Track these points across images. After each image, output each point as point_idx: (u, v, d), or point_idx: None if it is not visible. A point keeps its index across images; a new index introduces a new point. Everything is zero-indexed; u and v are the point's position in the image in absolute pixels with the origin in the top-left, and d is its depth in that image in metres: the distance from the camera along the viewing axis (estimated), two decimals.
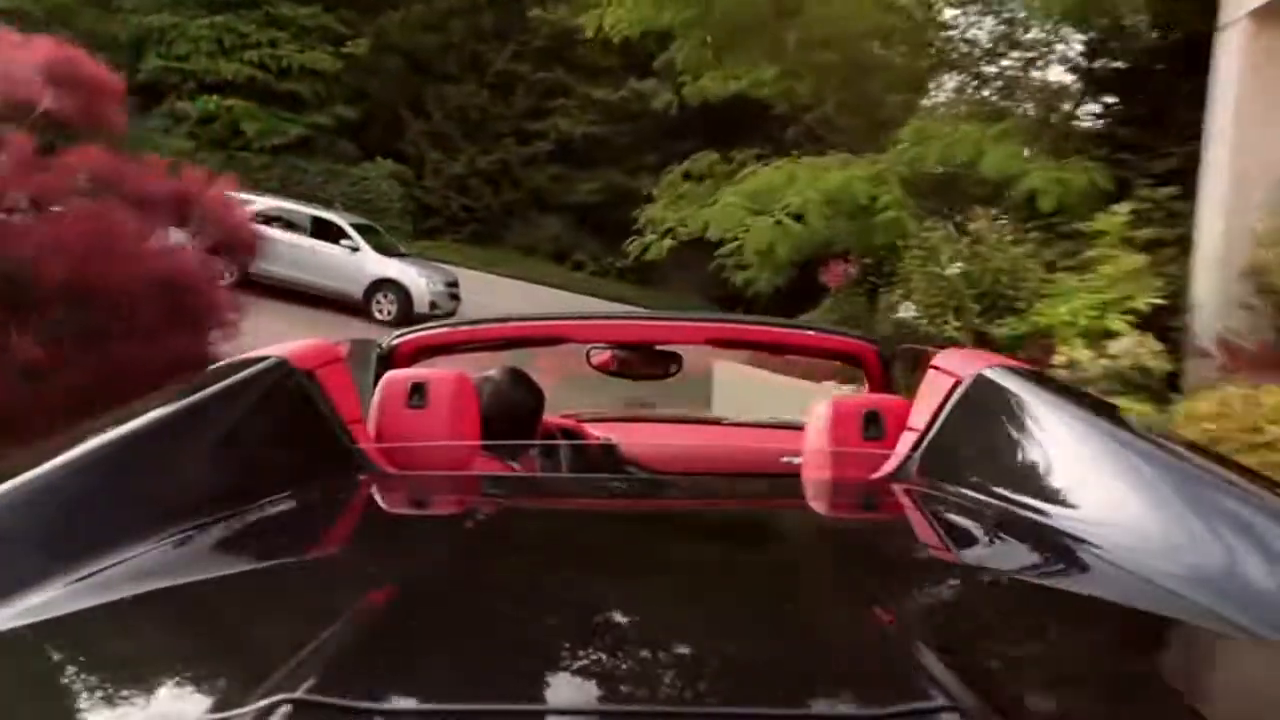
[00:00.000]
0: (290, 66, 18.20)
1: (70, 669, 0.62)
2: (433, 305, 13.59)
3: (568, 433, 2.39)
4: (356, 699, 0.48)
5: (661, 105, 14.65)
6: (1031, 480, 0.97)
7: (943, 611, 0.77)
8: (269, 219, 14.30)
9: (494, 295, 14.49)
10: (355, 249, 13.98)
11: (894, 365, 1.94)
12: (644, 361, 2.15)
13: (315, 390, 1.15)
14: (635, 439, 2.45)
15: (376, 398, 1.41)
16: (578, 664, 0.58)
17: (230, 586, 0.77)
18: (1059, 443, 0.97)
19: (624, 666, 0.58)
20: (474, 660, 0.58)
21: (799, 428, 1.62)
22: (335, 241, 14.02)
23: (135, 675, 0.58)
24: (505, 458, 1.71)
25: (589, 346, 2.15)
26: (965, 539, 0.98)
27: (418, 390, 1.40)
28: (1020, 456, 1.03)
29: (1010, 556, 0.90)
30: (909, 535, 1.05)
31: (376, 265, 13.94)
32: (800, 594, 0.75)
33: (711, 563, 0.87)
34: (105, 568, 0.72)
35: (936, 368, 1.24)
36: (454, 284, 14.51)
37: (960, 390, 1.15)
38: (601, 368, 2.17)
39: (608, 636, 0.63)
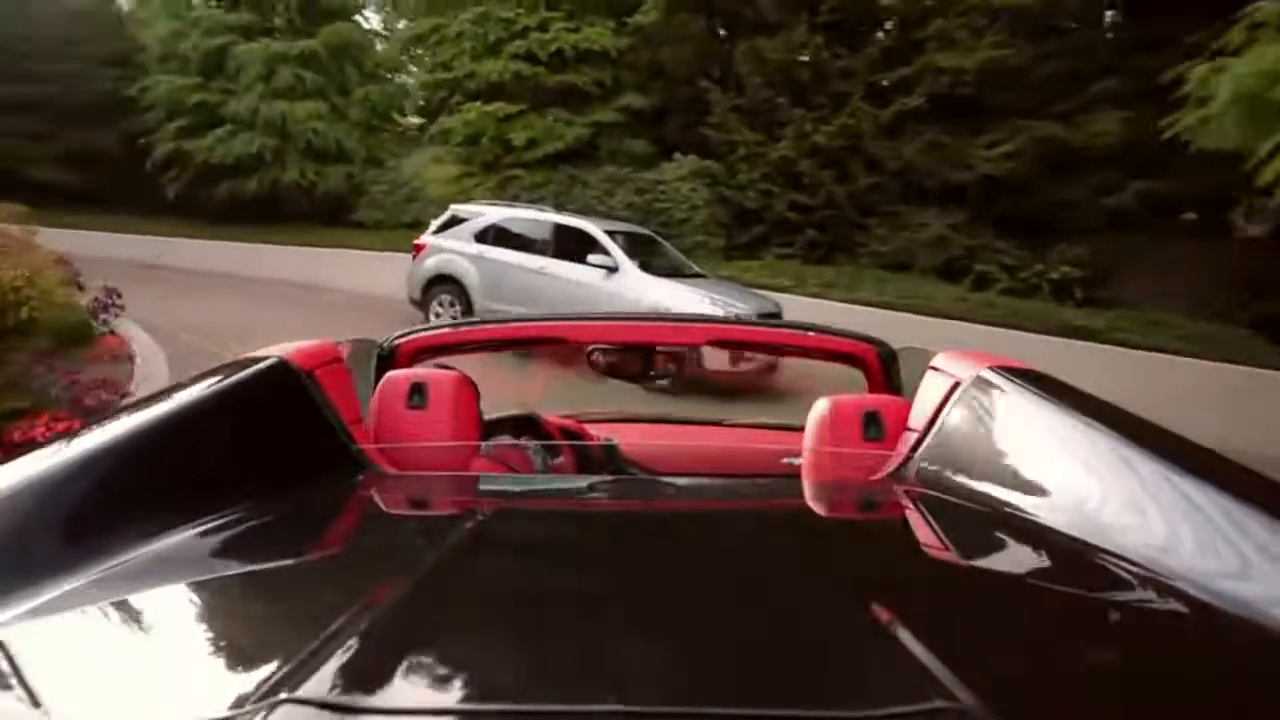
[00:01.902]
0: (563, 52, 13.90)
1: (69, 669, 0.61)
2: None
3: (568, 433, 2.31)
4: (356, 699, 0.49)
5: None
6: (1031, 481, 0.97)
7: (942, 612, 0.75)
8: (499, 233, 9.53)
9: None
10: (612, 268, 8.59)
11: (894, 365, 1.96)
12: (644, 362, 2.15)
13: (315, 390, 1.17)
14: (635, 440, 2.33)
15: (376, 398, 1.44)
16: (577, 664, 0.58)
17: (229, 586, 0.78)
18: (1058, 443, 0.97)
19: (622, 666, 0.58)
20: (473, 660, 0.59)
21: (799, 428, 1.56)
22: (582, 260, 8.75)
23: (134, 675, 0.59)
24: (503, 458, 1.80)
25: (589, 347, 2.16)
26: (965, 539, 0.97)
27: (418, 390, 1.45)
28: (1020, 457, 1.03)
29: (1010, 557, 0.91)
30: (908, 536, 1.05)
31: (640, 291, 8.40)
32: (800, 594, 0.74)
33: (711, 563, 0.86)
34: (103, 568, 0.72)
35: (936, 368, 1.27)
36: (773, 318, 8.56)
37: (960, 391, 1.17)
38: (599, 367, 2.18)
39: (606, 637, 0.64)
